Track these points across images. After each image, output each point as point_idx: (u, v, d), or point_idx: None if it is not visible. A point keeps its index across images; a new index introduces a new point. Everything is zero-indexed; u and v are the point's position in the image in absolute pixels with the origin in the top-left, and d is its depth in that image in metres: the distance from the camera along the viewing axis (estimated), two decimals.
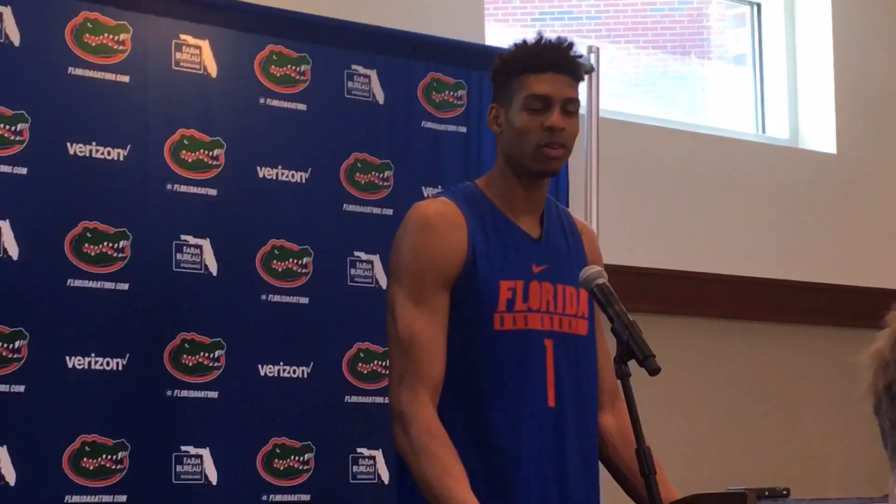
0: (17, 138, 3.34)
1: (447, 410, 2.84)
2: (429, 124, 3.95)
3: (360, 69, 3.86)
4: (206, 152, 3.60)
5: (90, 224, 3.42)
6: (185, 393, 3.51)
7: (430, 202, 2.98)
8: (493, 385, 2.87)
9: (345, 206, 3.79)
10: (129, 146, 3.49)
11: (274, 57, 3.73)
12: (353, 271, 3.77)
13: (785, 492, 4.57)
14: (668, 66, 5.87)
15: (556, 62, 2.93)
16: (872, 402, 1.39)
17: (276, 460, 3.61)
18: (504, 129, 2.96)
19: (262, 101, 3.70)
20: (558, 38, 2.97)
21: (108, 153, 3.47)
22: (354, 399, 3.74)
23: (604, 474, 3.12)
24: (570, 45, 2.97)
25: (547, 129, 2.90)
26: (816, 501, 4.14)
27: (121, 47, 3.51)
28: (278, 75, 3.73)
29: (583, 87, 4.11)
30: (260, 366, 3.62)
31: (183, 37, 3.61)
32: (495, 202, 2.97)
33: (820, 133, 5.82)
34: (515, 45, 3.01)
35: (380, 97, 3.88)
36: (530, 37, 3.00)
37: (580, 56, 3.00)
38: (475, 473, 2.78)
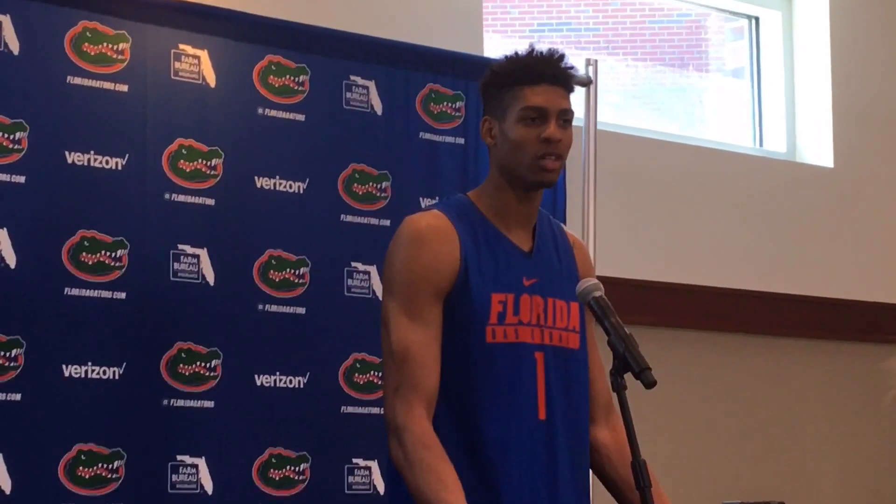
0: (16, 147, 3.35)
1: (440, 422, 2.84)
2: (427, 135, 3.95)
3: (359, 80, 3.86)
4: (205, 162, 3.61)
5: (88, 233, 3.42)
6: (181, 402, 3.51)
7: (422, 215, 2.97)
8: (485, 398, 2.87)
9: (342, 216, 3.80)
10: (127, 155, 3.50)
11: (273, 67, 3.74)
12: (350, 282, 3.78)
13: None
14: (665, 79, 5.89)
15: (550, 74, 2.93)
16: None
17: (272, 470, 3.61)
18: (498, 141, 2.96)
19: (260, 111, 3.71)
20: (549, 49, 2.98)
21: (107, 162, 3.47)
22: (350, 409, 3.74)
23: (598, 487, 3.13)
24: (562, 56, 2.97)
25: (544, 140, 2.90)
26: None
27: (120, 56, 3.52)
28: (277, 85, 3.74)
29: (580, 99, 4.13)
30: (256, 376, 3.62)
31: (182, 46, 3.61)
32: (487, 215, 2.96)
33: (817, 147, 5.83)
34: (506, 57, 3.00)
35: (378, 108, 3.89)
36: (521, 49, 3.00)
37: (572, 67, 3.00)
38: (468, 485, 2.78)
